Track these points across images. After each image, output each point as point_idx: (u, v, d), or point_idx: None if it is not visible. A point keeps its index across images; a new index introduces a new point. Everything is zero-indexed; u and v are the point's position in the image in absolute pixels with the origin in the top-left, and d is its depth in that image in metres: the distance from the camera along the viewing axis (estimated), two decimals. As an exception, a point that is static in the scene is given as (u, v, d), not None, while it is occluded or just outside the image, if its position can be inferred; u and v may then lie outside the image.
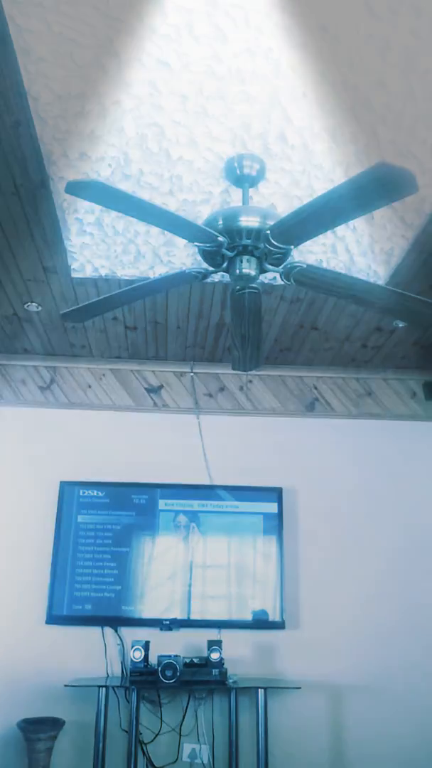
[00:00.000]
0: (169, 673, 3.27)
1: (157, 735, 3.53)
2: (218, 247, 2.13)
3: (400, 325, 3.57)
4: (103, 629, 3.67)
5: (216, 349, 4.00)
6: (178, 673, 3.28)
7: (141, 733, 3.47)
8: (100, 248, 2.92)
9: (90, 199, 1.99)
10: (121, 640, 3.65)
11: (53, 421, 4.06)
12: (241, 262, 2.16)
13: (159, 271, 3.05)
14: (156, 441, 4.03)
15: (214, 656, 3.37)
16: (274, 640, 3.72)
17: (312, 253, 2.89)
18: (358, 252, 2.89)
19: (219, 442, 4.05)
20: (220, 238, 2.10)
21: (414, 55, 1.89)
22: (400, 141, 2.22)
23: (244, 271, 2.16)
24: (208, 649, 3.40)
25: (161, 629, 3.62)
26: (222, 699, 3.60)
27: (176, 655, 3.35)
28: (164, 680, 3.26)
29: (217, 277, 3.06)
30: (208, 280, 2.46)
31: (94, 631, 3.66)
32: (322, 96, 2.05)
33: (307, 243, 2.63)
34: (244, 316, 2.49)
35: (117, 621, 3.69)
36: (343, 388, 4.23)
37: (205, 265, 2.27)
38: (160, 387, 4.17)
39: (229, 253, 2.15)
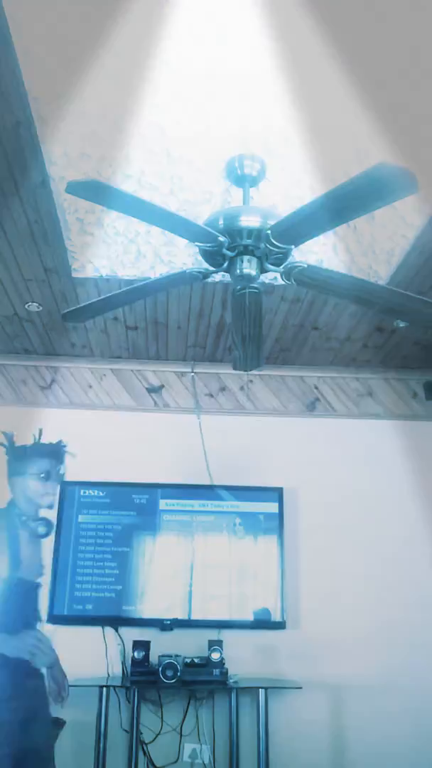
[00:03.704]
0: (169, 673, 3.27)
1: (157, 735, 3.53)
2: (219, 247, 2.13)
3: (401, 325, 3.56)
4: (103, 629, 3.67)
5: (217, 349, 4.00)
6: (178, 673, 3.28)
7: (142, 733, 3.47)
8: (100, 248, 2.91)
9: (90, 199, 2.00)
10: (121, 640, 3.65)
11: (54, 421, 4.04)
12: (242, 262, 2.16)
13: (160, 271, 3.05)
14: (156, 441, 4.03)
15: (215, 656, 3.37)
16: (275, 640, 3.72)
17: (313, 252, 2.89)
18: (359, 252, 2.89)
19: (219, 442, 4.04)
20: (221, 238, 2.10)
21: (415, 54, 1.89)
22: (400, 141, 2.22)
23: (245, 271, 2.16)
24: (209, 649, 3.40)
25: (162, 629, 3.62)
26: (223, 699, 3.59)
27: (177, 655, 3.35)
28: (165, 680, 3.26)
29: (217, 277, 3.05)
30: (209, 280, 2.46)
31: (95, 631, 3.66)
32: (322, 96, 2.05)
33: (308, 243, 2.62)
34: (245, 316, 2.49)
35: (118, 621, 3.69)
36: (343, 388, 4.23)
37: (205, 265, 2.27)
38: (161, 387, 4.16)
39: (229, 253, 2.15)
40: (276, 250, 2.11)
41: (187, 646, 3.58)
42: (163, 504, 3.89)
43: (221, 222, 2.14)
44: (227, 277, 2.28)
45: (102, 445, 4.00)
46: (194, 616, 3.69)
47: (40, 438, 2.69)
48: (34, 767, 2.35)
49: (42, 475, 2.50)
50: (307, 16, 1.79)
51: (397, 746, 3.56)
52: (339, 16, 1.79)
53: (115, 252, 2.94)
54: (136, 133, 2.22)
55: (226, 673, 3.39)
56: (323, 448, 4.09)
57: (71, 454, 2.68)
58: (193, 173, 2.40)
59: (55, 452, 2.59)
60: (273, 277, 2.99)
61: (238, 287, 2.34)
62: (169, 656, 3.32)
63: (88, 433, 4.02)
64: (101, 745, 3.23)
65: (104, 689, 3.30)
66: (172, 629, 3.63)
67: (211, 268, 2.25)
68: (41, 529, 2.51)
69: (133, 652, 3.38)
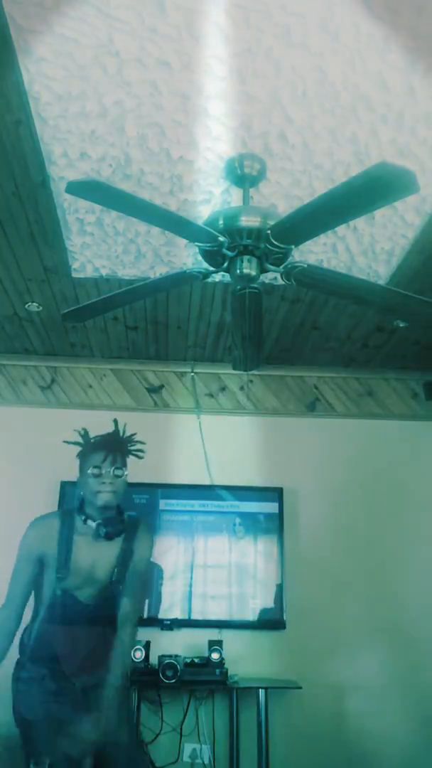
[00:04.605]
0: (169, 673, 3.27)
1: (157, 735, 3.52)
2: (219, 247, 2.12)
3: (401, 325, 3.56)
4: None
5: (217, 349, 3.99)
6: (178, 673, 3.27)
7: (141, 733, 3.46)
8: (100, 248, 2.92)
9: (90, 199, 1.99)
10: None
11: (54, 421, 4.04)
12: (242, 262, 2.16)
13: (159, 271, 3.05)
14: (157, 441, 4.01)
15: (215, 656, 3.37)
16: (275, 640, 3.72)
17: (312, 252, 2.89)
18: (359, 252, 2.89)
19: (219, 442, 4.04)
20: (221, 238, 2.10)
21: (414, 55, 1.89)
22: (400, 141, 2.22)
23: (245, 271, 2.16)
24: (209, 649, 3.39)
25: (162, 629, 3.62)
26: (223, 699, 3.59)
27: (177, 655, 3.34)
28: (165, 680, 3.25)
29: (217, 277, 3.06)
30: (209, 280, 2.46)
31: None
32: (322, 96, 2.05)
33: (308, 243, 2.63)
34: (245, 316, 2.49)
35: (118, 621, 3.68)
36: (343, 388, 4.23)
37: (205, 265, 2.27)
38: (161, 387, 4.16)
39: (229, 253, 2.15)
40: (276, 250, 2.11)
41: (187, 646, 3.59)
42: (163, 504, 3.89)
43: (221, 222, 2.14)
44: (227, 277, 2.28)
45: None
46: (194, 616, 3.69)
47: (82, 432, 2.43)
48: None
49: (94, 470, 2.27)
50: (307, 15, 1.80)
51: (398, 746, 3.55)
52: (338, 16, 1.79)
53: (115, 252, 2.94)
54: (136, 132, 2.22)
55: (226, 673, 3.38)
56: (323, 448, 4.09)
57: (137, 450, 2.40)
58: (193, 173, 2.40)
59: (110, 445, 2.34)
60: (273, 277, 3.00)
61: (238, 287, 2.34)
62: (169, 656, 3.32)
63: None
64: (101, 745, 3.22)
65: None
66: (172, 629, 3.63)
67: (211, 268, 2.25)
68: (101, 530, 2.26)
69: (133, 652, 3.37)
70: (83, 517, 2.30)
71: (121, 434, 2.44)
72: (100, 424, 4.00)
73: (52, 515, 2.44)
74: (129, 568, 2.34)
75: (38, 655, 2.23)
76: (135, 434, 2.45)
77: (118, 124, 2.18)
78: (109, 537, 2.28)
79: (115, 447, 2.35)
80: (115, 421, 2.46)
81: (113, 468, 2.31)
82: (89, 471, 2.29)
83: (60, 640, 2.22)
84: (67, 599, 2.23)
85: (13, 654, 2.30)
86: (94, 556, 2.29)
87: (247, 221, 2.12)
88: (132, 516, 2.50)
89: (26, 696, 2.22)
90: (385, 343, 3.85)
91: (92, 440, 2.40)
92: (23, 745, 2.22)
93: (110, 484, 2.29)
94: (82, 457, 2.38)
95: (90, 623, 2.28)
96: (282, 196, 2.51)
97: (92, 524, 2.28)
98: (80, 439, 2.43)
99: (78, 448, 2.42)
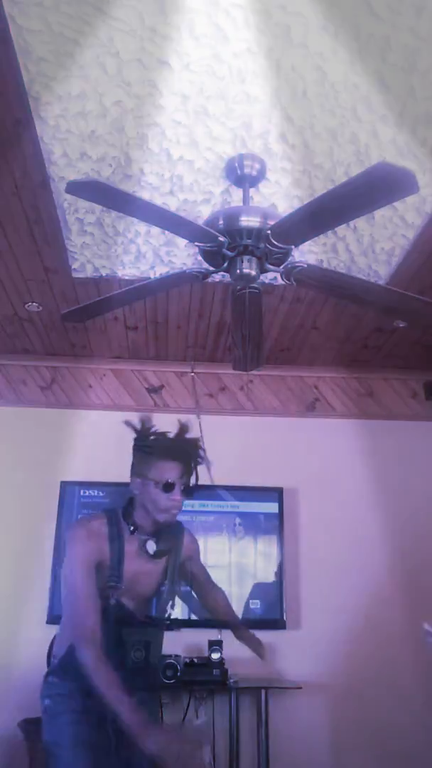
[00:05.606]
0: (169, 672, 3.27)
1: (157, 735, 3.52)
2: (219, 247, 2.13)
3: (401, 325, 3.56)
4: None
5: (217, 349, 3.99)
6: (178, 673, 3.28)
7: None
8: (100, 248, 2.92)
9: (90, 199, 2.00)
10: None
11: (54, 421, 4.05)
12: (242, 262, 2.16)
13: (159, 271, 3.05)
14: (157, 441, 4.02)
15: (215, 656, 3.37)
16: (275, 640, 3.71)
17: (312, 252, 2.89)
18: (359, 252, 2.89)
19: (220, 442, 4.02)
20: (221, 238, 2.10)
21: (414, 54, 1.89)
22: (400, 141, 2.22)
23: (245, 271, 2.16)
24: (209, 649, 3.39)
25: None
26: (222, 699, 3.59)
27: (177, 655, 3.34)
28: (165, 680, 3.25)
29: (217, 277, 3.05)
30: (209, 280, 2.46)
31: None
32: (322, 96, 2.05)
33: (308, 243, 2.63)
34: (245, 316, 2.49)
35: (118, 621, 3.68)
36: (343, 388, 4.23)
37: (205, 265, 2.27)
38: (161, 387, 4.16)
39: (229, 253, 2.15)
40: (276, 250, 2.11)
41: (188, 646, 3.58)
42: (163, 504, 3.88)
43: (221, 222, 2.14)
44: (227, 277, 2.28)
45: (102, 445, 4.00)
46: (194, 616, 3.69)
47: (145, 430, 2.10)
48: None
49: (165, 483, 2.00)
50: (307, 15, 1.80)
51: (397, 746, 3.55)
52: (338, 16, 1.79)
53: (115, 252, 2.94)
54: (136, 133, 2.22)
55: (226, 673, 3.38)
56: (323, 448, 4.09)
57: (206, 459, 2.11)
58: (193, 173, 2.41)
59: (187, 458, 2.05)
60: (273, 277, 2.99)
61: (238, 287, 2.34)
62: (169, 656, 3.31)
63: (87, 433, 4.04)
64: (101, 745, 3.22)
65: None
66: (171, 629, 3.62)
67: (211, 268, 2.26)
68: (150, 546, 2.05)
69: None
70: (131, 527, 2.07)
71: (194, 443, 2.12)
72: (100, 424, 4.02)
73: (98, 519, 2.13)
74: (190, 579, 2.29)
75: (73, 667, 1.98)
76: (202, 448, 2.15)
77: (118, 124, 2.18)
78: (157, 556, 2.09)
79: (192, 461, 2.08)
80: (184, 427, 2.11)
81: (186, 486, 2.06)
82: (161, 482, 2.02)
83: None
84: (119, 608, 2.07)
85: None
86: (137, 567, 2.09)
87: (247, 221, 2.12)
88: (176, 523, 2.28)
89: (53, 716, 2.02)
90: (385, 343, 3.85)
91: (161, 438, 2.11)
92: None
93: (178, 502, 2.06)
94: (144, 455, 2.07)
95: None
96: (282, 196, 2.51)
97: (140, 537, 2.08)
98: (138, 425, 2.10)
99: (132, 435, 2.13)
